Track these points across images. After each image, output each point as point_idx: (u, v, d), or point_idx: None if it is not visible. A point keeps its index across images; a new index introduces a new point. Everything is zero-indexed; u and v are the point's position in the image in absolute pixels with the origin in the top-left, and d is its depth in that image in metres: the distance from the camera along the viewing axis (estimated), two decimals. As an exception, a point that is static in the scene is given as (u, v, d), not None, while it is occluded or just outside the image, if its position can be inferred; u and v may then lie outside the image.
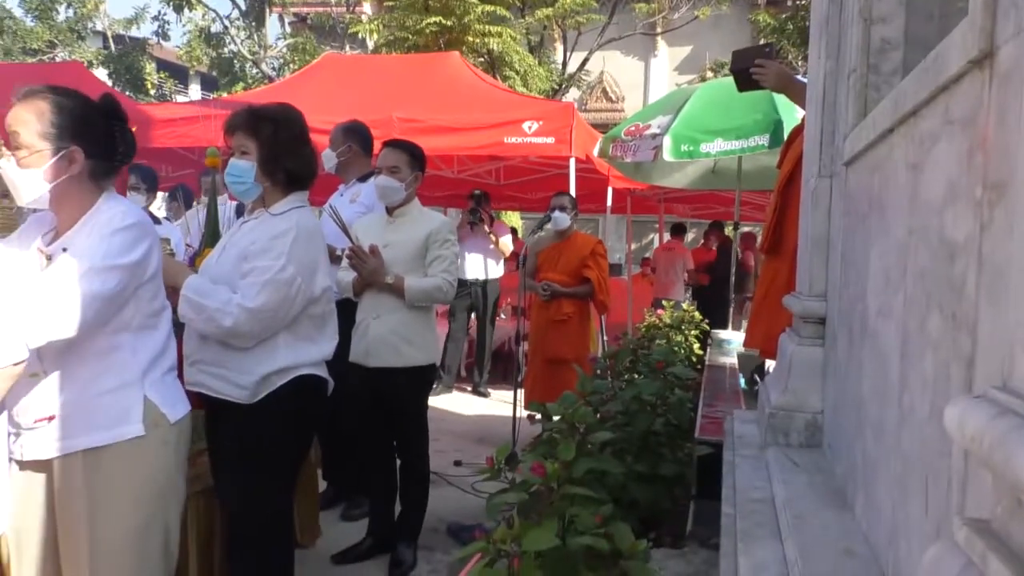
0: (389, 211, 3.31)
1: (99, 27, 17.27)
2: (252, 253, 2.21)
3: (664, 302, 6.61)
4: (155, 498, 1.88)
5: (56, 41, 16.41)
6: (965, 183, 0.87)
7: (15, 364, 1.31)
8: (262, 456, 2.28)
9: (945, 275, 0.94)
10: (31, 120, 1.72)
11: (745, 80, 2.71)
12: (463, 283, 7.01)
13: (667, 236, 10.47)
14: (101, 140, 1.81)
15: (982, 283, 0.80)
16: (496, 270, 7.11)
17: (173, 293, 2.15)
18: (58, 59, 15.59)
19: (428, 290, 3.16)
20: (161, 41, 16.28)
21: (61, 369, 1.75)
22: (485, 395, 7.01)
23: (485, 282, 6.99)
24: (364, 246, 3.17)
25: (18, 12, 16.41)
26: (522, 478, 1.63)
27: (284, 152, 2.30)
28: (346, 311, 3.28)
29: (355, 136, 3.88)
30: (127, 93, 14.58)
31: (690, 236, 16.50)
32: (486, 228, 6.91)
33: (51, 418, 1.75)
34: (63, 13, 16.89)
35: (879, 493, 1.30)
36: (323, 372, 2.43)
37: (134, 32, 17.22)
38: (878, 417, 1.34)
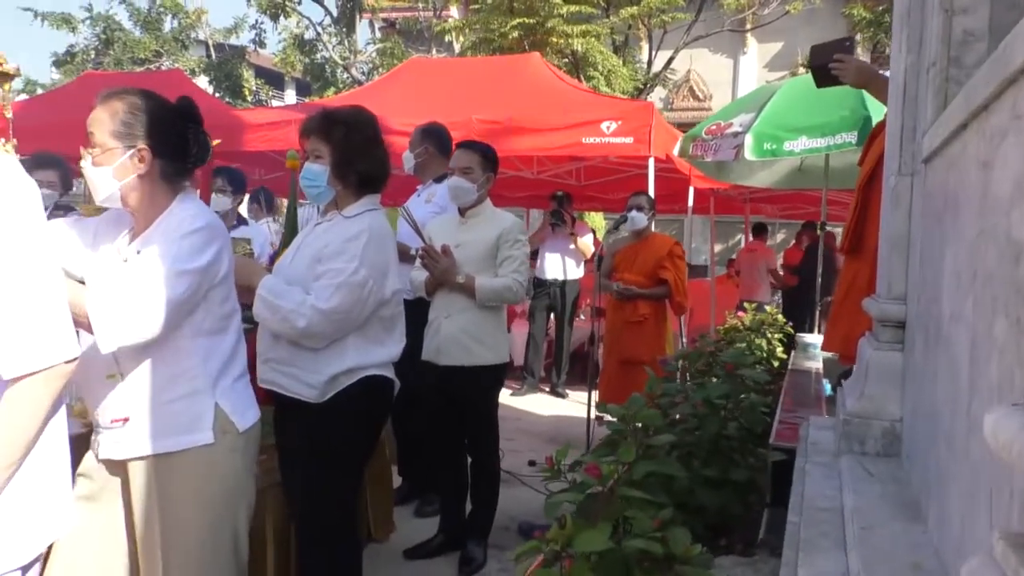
0: (461, 211, 3.35)
1: (201, 36, 18.09)
2: (326, 256, 2.26)
3: (746, 304, 6.45)
4: (224, 502, 1.90)
5: (162, 51, 17.26)
6: (1030, 180, 0.82)
7: (67, 362, 1.32)
8: (329, 455, 2.33)
9: (1011, 278, 0.89)
10: (105, 120, 1.78)
11: (824, 76, 2.62)
12: (542, 283, 7.02)
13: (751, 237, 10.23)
14: (173, 140, 1.84)
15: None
16: (575, 271, 7.10)
17: (247, 292, 2.20)
18: (163, 68, 16.41)
19: (498, 290, 3.19)
20: (258, 49, 16.95)
21: (136, 372, 1.78)
22: (563, 396, 7.00)
23: (564, 282, 6.99)
24: (437, 246, 3.21)
25: (128, 24, 17.37)
26: (581, 479, 1.63)
27: (356, 155, 2.34)
28: (419, 310, 3.34)
29: (431, 138, 3.95)
30: (226, 99, 15.23)
31: (780, 236, 16.06)
32: (568, 230, 6.92)
33: (126, 420, 1.79)
34: (168, 24, 17.77)
35: (950, 505, 1.24)
36: (390, 373, 2.46)
37: (233, 41, 17.97)
38: (950, 425, 1.28)
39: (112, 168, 1.77)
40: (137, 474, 1.82)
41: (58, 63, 17.82)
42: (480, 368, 3.22)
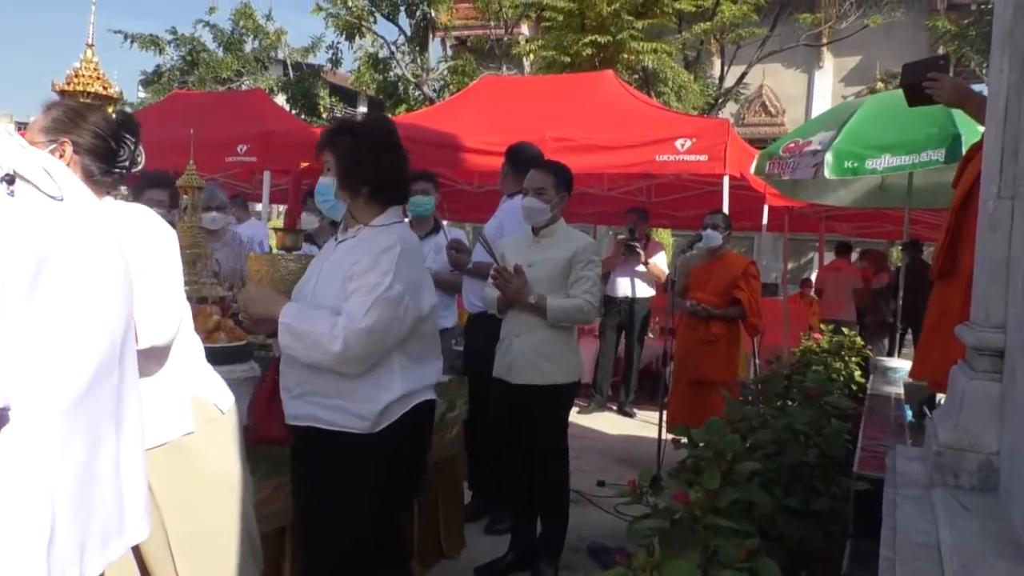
0: (535, 231, 3.36)
1: (280, 56, 18.69)
2: (357, 272, 2.12)
3: (822, 325, 6.29)
4: (225, 491, 1.90)
5: (243, 70, 17.90)
6: None
7: None
8: (376, 490, 2.19)
9: None
10: (40, 120, 1.80)
11: (916, 95, 2.55)
12: (612, 301, 6.99)
13: (830, 256, 10.00)
14: (101, 142, 1.82)
15: None
16: (646, 289, 7.04)
17: (267, 323, 2.17)
18: (244, 87, 17.00)
19: (569, 310, 3.19)
20: (334, 68, 17.40)
21: None
22: (630, 415, 6.93)
23: (633, 300, 6.94)
24: (510, 265, 3.24)
25: (212, 45, 18.07)
26: (664, 504, 1.61)
27: (362, 163, 2.22)
28: (488, 325, 3.38)
29: (508, 156, 4.05)
30: (302, 117, 15.68)
31: (853, 256, 15.59)
32: (641, 259, 6.88)
33: None
34: (250, 45, 18.42)
35: (1062, 548, 1.18)
36: (434, 395, 2.36)
37: (311, 60, 18.52)
38: (1061, 464, 1.22)
39: None
40: None
41: (145, 82, 18.68)
42: (550, 387, 3.21)
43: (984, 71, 12.93)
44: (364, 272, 2.11)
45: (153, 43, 17.29)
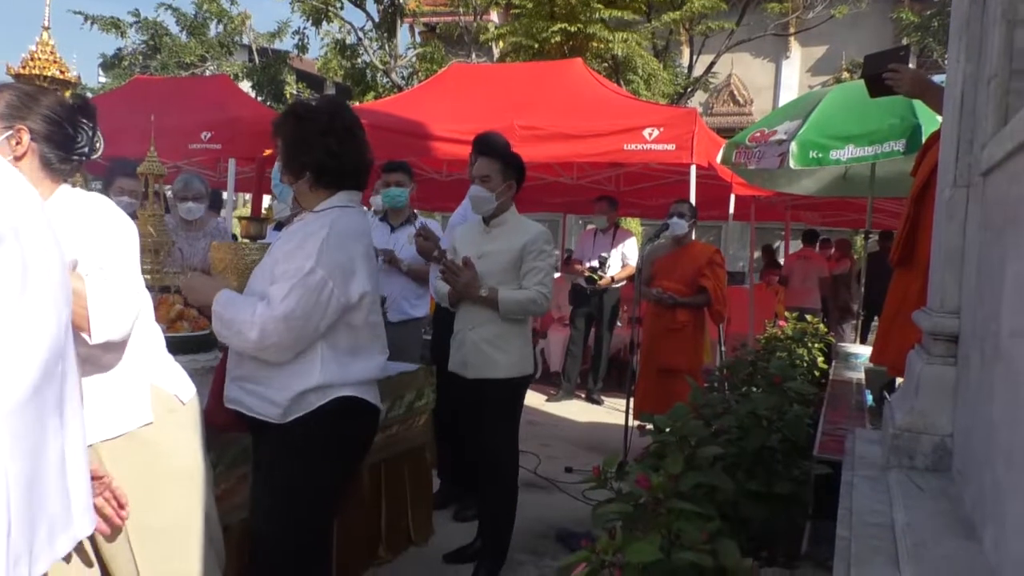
0: (486, 221, 3.25)
1: (245, 41, 18.40)
2: (281, 257, 2.07)
3: (787, 313, 6.38)
4: (184, 483, 1.86)
5: (207, 55, 17.60)
6: (1104, 199, 0.81)
7: None
8: (290, 489, 2.10)
9: (1082, 297, 0.88)
10: None
11: (878, 86, 2.59)
12: (583, 290, 7.02)
13: (797, 244, 10.14)
14: (58, 130, 1.77)
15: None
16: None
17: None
18: (208, 72, 16.73)
19: (523, 302, 3.10)
20: (300, 54, 17.18)
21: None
22: (598, 402, 6.99)
23: (603, 289, 6.98)
24: (460, 256, 3.16)
25: (175, 29, 17.74)
26: (628, 489, 1.63)
27: (304, 147, 2.15)
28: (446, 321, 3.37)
29: (475, 146, 4.02)
30: (268, 103, 15.47)
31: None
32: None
33: None
34: (214, 29, 18.11)
35: (1010, 524, 1.22)
36: (370, 396, 2.21)
37: (277, 45, 18.26)
38: (1009, 444, 1.26)
39: None
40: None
41: (106, 67, 18.31)
42: (502, 380, 3.14)
43: (946, 62, 13.14)
44: (288, 257, 2.05)
45: (114, 26, 16.90)
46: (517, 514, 3.82)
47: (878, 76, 2.57)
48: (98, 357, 1.74)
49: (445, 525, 3.67)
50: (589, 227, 7.23)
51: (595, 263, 6.95)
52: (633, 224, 14.66)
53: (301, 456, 2.09)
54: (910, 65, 2.70)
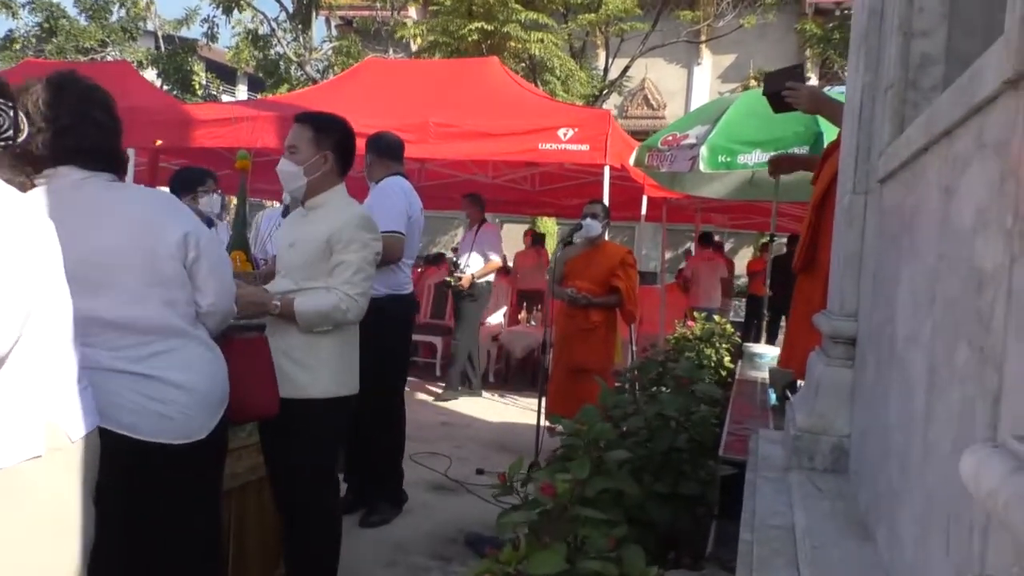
0: (302, 202, 2.69)
1: (151, 27, 17.64)
2: None
3: (695, 312, 6.52)
4: (57, 528, 1.59)
5: (108, 41, 16.78)
6: (996, 210, 0.82)
7: None
8: None
9: (973, 306, 0.89)
10: None
11: (779, 103, 2.68)
12: (457, 290, 6.88)
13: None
14: None
15: (1011, 317, 0.75)
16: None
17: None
18: (109, 59, 15.95)
19: (324, 312, 2.48)
20: (210, 43, 16.58)
21: None
22: (450, 399, 6.90)
23: (467, 290, 6.84)
24: (283, 244, 2.66)
25: (72, 12, 16.84)
26: (533, 496, 1.60)
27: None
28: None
29: (370, 146, 4.01)
30: (175, 93, 14.87)
31: (728, 246, 16.33)
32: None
33: None
34: (116, 13, 17.28)
35: (902, 527, 1.24)
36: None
37: (184, 33, 17.56)
38: (903, 447, 1.28)
39: None
40: None
41: (-5, 49, 17.21)
42: (302, 402, 2.48)
43: (846, 73, 13.76)
44: None
45: (4, 6, 15.93)
46: (426, 517, 3.78)
47: (778, 94, 2.66)
48: None
49: (353, 532, 3.57)
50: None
51: (456, 262, 6.85)
52: (548, 224, 14.76)
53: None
54: (811, 78, 2.80)
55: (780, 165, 2.82)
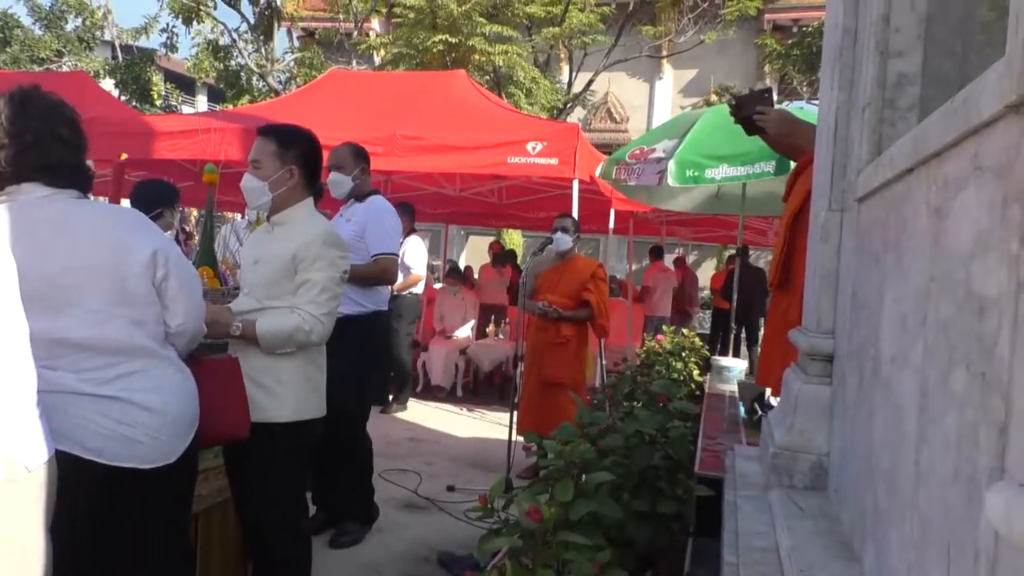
0: (267, 218, 2.61)
1: (108, 37, 17.30)
2: None
3: (664, 327, 6.56)
4: (13, 562, 1.50)
5: (64, 50, 16.43)
6: (998, 235, 0.81)
7: None
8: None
9: (973, 330, 0.88)
10: None
11: (750, 126, 2.71)
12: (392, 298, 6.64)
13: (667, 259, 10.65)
14: None
15: (1018, 344, 0.74)
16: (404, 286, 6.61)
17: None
18: (65, 68, 15.60)
19: (286, 334, 2.39)
20: (169, 53, 16.31)
21: None
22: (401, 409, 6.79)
23: (395, 297, 6.52)
24: (247, 261, 2.59)
25: (27, 21, 16.46)
26: (515, 519, 1.56)
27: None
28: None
29: (354, 156, 3.87)
30: (133, 103, 14.59)
31: (691, 258, 16.51)
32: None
33: None
34: (72, 23, 16.92)
35: (892, 552, 1.23)
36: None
37: (143, 43, 17.24)
38: (891, 469, 1.27)
39: None
40: None
41: (-54, 59, 16.72)
42: (268, 426, 2.38)
43: (804, 89, 14.03)
44: None
45: (-44, 14, 15.54)
46: (397, 537, 3.71)
47: (749, 118, 2.69)
48: None
49: (323, 552, 3.49)
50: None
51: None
52: (515, 236, 14.77)
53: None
54: (773, 104, 2.84)
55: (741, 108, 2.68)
